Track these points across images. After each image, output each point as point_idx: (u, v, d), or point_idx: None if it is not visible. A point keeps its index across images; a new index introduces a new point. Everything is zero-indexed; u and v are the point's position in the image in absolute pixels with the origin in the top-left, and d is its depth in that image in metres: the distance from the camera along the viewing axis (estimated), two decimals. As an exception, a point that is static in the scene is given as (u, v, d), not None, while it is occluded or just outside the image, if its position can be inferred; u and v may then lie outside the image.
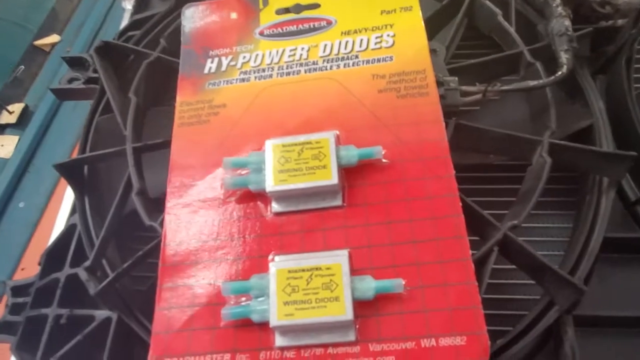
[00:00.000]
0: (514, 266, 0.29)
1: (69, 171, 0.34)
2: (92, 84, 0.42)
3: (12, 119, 0.56)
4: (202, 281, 0.26)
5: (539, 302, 0.28)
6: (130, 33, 0.41)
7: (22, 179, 0.53)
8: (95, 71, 0.42)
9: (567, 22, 0.32)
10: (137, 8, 0.46)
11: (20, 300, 0.33)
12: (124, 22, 0.51)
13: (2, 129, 0.56)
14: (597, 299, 0.30)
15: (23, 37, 0.64)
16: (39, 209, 0.51)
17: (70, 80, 0.44)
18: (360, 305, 0.24)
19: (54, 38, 0.64)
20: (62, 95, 0.44)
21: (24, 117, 0.57)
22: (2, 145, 0.54)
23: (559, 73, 0.30)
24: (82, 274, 0.29)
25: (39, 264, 0.33)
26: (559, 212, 0.35)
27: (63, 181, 0.53)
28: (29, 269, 0.49)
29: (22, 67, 0.63)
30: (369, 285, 0.24)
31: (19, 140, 0.55)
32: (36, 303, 0.31)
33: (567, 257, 0.29)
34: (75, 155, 0.53)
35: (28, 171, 0.54)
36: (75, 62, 0.44)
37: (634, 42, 0.35)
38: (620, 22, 0.38)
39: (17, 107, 0.57)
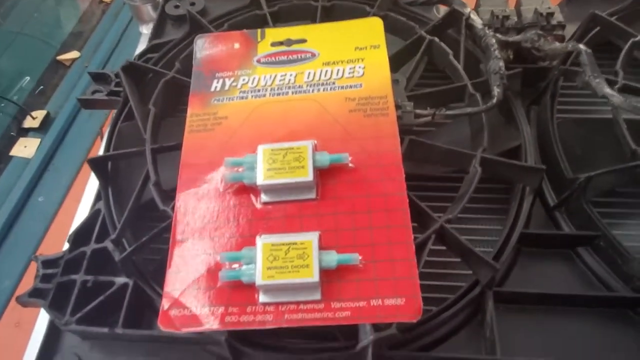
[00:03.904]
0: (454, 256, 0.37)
1: (97, 165, 0.41)
2: (114, 96, 0.50)
3: (35, 123, 0.63)
4: (204, 253, 0.33)
5: (468, 281, 0.36)
6: (149, 55, 0.49)
7: (42, 177, 0.60)
8: (117, 85, 0.50)
9: (501, 63, 0.40)
10: (155, 34, 0.54)
11: (49, 271, 0.40)
12: (141, 45, 0.59)
13: (26, 132, 0.64)
14: (518, 282, 0.38)
15: (47, 52, 0.71)
16: (56, 203, 0.58)
17: (93, 92, 0.52)
18: (326, 273, 0.31)
19: (74, 54, 0.72)
20: (87, 104, 0.51)
21: (46, 123, 0.64)
22: (25, 147, 0.61)
23: (489, 103, 0.38)
24: (109, 245, 0.36)
25: (68, 241, 0.40)
26: (496, 217, 0.42)
27: (79, 179, 0.61)
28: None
29: (28, 78, 0.71)
30: (332, 257, 0.31)
31: (41, 142, 0.62)
32: (65, 271, 0.38)
33: (493, 248, 0.37)
34: (92, 155, 0.61)
35: (48, 170, 0.61)
36: (99, 77, 0.52)
37: (557, 80, 0.43)
38: (555, 63, 0.47)
39: (40, 114, 0.64)
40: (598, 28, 0.46)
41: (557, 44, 0.42)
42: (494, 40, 0.42)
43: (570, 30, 0.49)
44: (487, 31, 0.44)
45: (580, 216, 0.38)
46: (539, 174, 0.37)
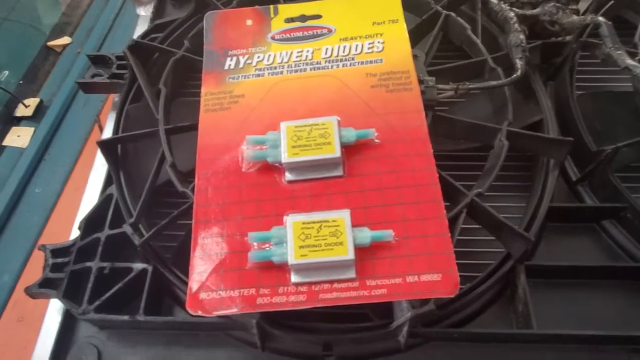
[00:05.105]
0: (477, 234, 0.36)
1: (108, 147, 0.39)
2: (115, 79, 0.48)
3: (28, 112, 0.60)
4: (229, 234, 0.32)
5: (499, 255, 0.35)
6: (153, 35, 0.47)
7: (38, 167, 0.57)
8: (119, 67, 0.48)
9: (522, 36, 0.40)
10: (155, 14, 0.52)
11: (59, 260, 0.38)
12: (139, 27, 0.57)
13: (18, 121, 0.61)
14: (544, 257, 0.37)
15: (37, 38, 0.68)
16: (55, 193, 0.56)
17: (93, 76, 0.49)
18: (359, 251, 0.30)
19: (65, 40, 0.69)
20: (87, 88, 0.49)
21: (39, 111, 0.61)
22: (18, 136, 0.59)
23: (514, 75, 0.37)
24: (128, 229, 0.34)
25: (79, 228, 0.38)
26: (518, 194, 0.41)
27: (77, 168, 0.58)
28: (46, 248, 0.53)
29: (7, 72, 0.68)
30: (366, 234, 0.30)
31: (35, 131, 0.59)
32: (78, 259, 0.36)
33: (521, 222, 0.36)
34: (88, 145, 0.59)
35: (44, 159, 0.58)
36: (99, 60, 0.50)
37: (575, 55, 0.43)
38: (568, 38, 0.46)
39: (32, 102, 0.61)
40: (612, 1, 0.46)
41: (575, 17, 0.42)
42: (512, 14, 0.41)
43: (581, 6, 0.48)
44: (504, 5, 0.43)
45: (604, 189, 0.38)
46: (566, 146, 0.36)
